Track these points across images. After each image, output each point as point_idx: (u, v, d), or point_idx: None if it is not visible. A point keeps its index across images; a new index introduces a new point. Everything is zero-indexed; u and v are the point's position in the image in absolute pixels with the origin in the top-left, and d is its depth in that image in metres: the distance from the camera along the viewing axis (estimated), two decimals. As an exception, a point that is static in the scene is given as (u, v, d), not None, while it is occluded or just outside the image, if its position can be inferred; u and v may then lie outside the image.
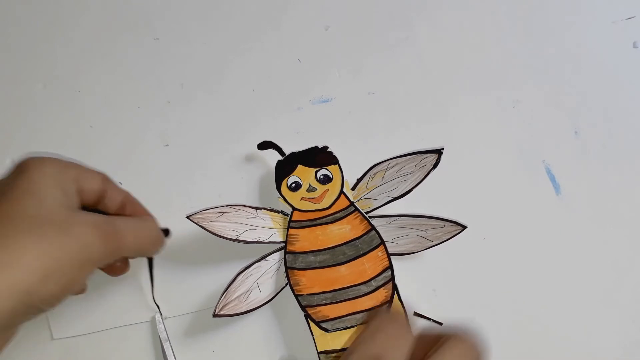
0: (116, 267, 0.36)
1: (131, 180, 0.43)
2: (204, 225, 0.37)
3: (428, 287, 0.41)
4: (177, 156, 0.44)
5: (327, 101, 0.45)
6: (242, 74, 0.45)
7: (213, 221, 0.37)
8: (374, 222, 0.39)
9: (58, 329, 0.41)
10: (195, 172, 0.43)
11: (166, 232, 0.36)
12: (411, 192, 0.38)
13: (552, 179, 0.43)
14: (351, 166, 0.39)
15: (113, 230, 0.30)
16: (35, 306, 0.27)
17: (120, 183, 0.43)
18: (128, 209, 0.34)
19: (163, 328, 0.41)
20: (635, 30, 0.46)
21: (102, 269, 0.35)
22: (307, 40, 0.46)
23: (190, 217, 0.37)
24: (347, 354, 0.30)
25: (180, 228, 0.41)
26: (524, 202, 0.43)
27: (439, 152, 0.38)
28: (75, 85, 0.45)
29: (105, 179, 0.32)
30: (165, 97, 0.45)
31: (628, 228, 0.43)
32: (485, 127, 0.44)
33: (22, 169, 0.29)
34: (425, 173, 0.38)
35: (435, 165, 0.38)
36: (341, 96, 0.45)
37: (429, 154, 0.38)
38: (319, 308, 0.38)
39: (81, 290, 0.33)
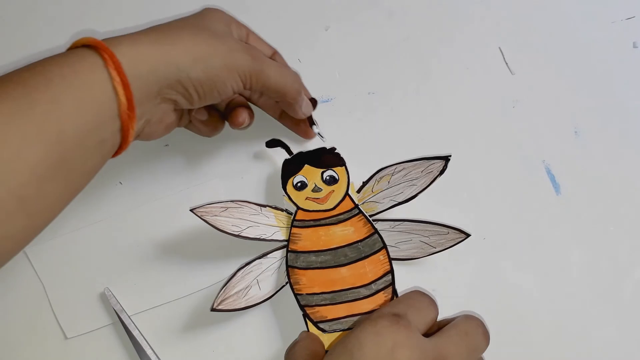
0: (213, 122, 0.39)
1: (131, 180, 0.43)
2: (207, 219, 0.37)
3: (428, 287, 0.41)
4: (177, 156, 0.44)
5: (327, 101, 0.45)
6: (242, 74, 0.45)
7: (216, 216, 0.37)
8: (378, 225, 0.39)
9: (70, 329, 0.41)
10: (196, 172, 0.43)
11: (313, 101, 0.40)
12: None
13: (552, 179, 0.43)
14: (350, 166, 0.39)
15: (260, 55, 0.36)
16: (181, 83, 0.32)
17: (120, 183, 0.43)
18: None
19: (116, 300, 0.41)
20: (635, 30, 0.46)
21: (202, 126, 0.39)
22: (307, 40, 0.46)
23: (194, 211, 0.37)
24: (375, 312, 0.35)
25: (183, 223, 0.41)
26: (524, 202, 0.43)
27: (446, 158, 0.38)
28: (75, 85, 0.44)
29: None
30: (165, 97, 0.44)
31: (628, 228, 0.43)
32: (485, 127, 0.44)
33: (197, 13, 0.37)
34: (432, 179, 0.38)
35: (441, 172, 0.38)
36: (341, 96, 0.45)
37: (436, 161, 0.38)
38: (317, 308, 0.38)
39: (221, 101, 0.37)
